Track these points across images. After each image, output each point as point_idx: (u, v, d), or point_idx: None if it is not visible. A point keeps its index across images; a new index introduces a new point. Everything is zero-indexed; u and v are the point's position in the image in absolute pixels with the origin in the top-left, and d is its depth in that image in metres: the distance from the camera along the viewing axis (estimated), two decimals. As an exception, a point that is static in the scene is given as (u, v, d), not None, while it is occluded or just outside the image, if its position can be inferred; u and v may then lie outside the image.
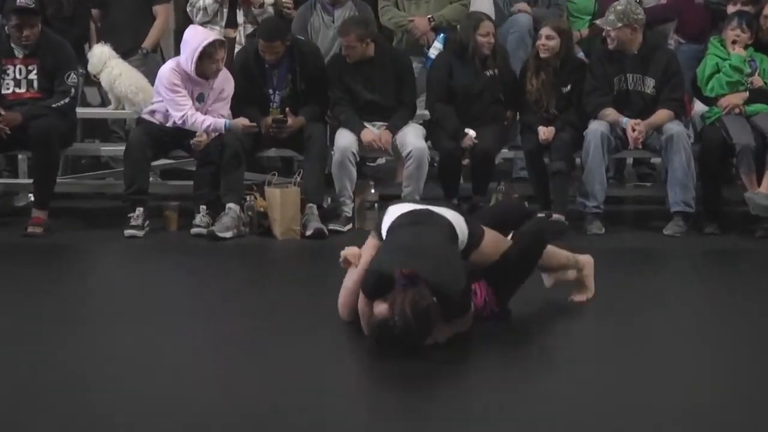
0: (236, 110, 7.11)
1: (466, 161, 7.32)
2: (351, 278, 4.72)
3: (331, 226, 6.89)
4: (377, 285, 4.38)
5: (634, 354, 4.53)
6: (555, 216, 6.95)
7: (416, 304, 4.21)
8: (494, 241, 4.79)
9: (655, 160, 7.84)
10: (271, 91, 7.18)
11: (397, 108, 7.20)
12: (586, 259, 5.28)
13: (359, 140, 7.09)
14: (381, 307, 4.32)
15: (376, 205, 7.07)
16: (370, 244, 4.78)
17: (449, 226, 4.66)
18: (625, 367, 4.35)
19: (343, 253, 4.76)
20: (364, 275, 4.52)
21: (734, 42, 7.07)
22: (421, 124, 7.47)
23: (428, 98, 7.45)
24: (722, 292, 5.69)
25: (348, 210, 7.04)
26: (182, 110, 6.92)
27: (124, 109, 7.51)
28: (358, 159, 7.10)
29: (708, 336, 4.87)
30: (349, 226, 7.01)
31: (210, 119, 6.95)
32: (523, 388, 4.11)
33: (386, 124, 7.19)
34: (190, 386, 4.09)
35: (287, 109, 7.09)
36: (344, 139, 7.04)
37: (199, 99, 7.04)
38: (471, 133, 7.12)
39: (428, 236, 4.55)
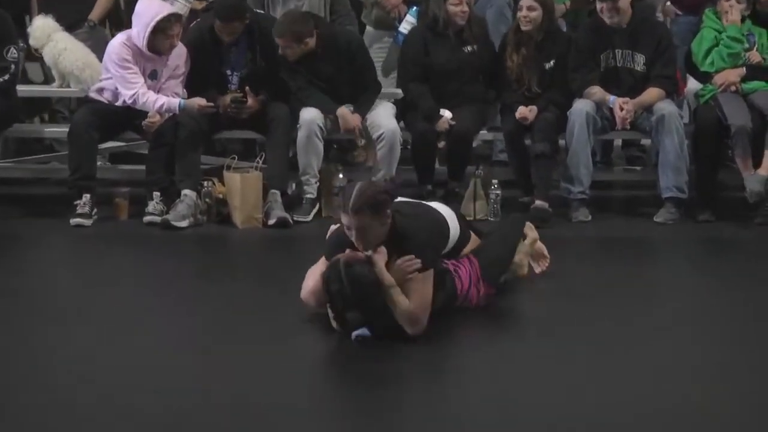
0: (191, 92, 7.07)
1: (441, 144, 7.31)
2: (321, 265, 4.77)
3: (297, 217, 6.87)
4: (338, 246, 4.58)
5: (621, 350, 4.54)
6: (537, 203, 6.95)
7: (373, 195, 4.46)
8: (474, 241, 5.02)
9: (645, 141, 7.86)
10: (228, 71, 7.15)
11: (359, 93, 7.15)
12: (529, 232, 5.45)
13: (334, 120, 7.05)
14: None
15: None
16: None
17: (440, 217, 4.83)
18: (612, 364, 4.36)
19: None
20: (329, 236, 4.71)
21: (728, 13, 7.08)
22: (393, 103, 7.45)
23: (401, 77, 7.42)
24: (717, 283, 5.70)
25: (312, 191, 7.00)
26: (133, 88, 6.87)
27: (69, 86, 7.43)
28: (325, 133, 7.06)
29: (701, 330, 4.88)
30: (315, 211, 6.99)
31: (163, 98, 6.90)
32: (509, 388, 4.12)
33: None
34: (141, 388, 4.07)
35: (247, 88, 7.06)
36: (311, 111, 7.01)
37: (152, 76, 6.99)
38: (447, 114, 7.10)
39: (413, 204, 4.73)
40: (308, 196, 7.00)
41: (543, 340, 4.68)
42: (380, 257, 4.51)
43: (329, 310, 4.63)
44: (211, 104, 6.96)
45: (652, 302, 5.31)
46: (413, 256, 4.51)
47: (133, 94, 6.88)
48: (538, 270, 5.45)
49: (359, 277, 4.46)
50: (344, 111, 7.04)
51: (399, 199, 4.87)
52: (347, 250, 4.56)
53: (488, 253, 5.00)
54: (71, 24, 7.58)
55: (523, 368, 4.33)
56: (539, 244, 5.50)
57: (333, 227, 4.94)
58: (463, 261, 4.91)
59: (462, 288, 4.83)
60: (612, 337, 4.73)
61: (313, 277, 4.77)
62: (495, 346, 4.64)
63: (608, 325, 4.90)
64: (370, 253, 4.50)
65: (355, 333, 4.51)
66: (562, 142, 7.18)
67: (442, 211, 4.93)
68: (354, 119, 7.02)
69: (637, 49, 7.11)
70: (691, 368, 4.34)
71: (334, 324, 4.62)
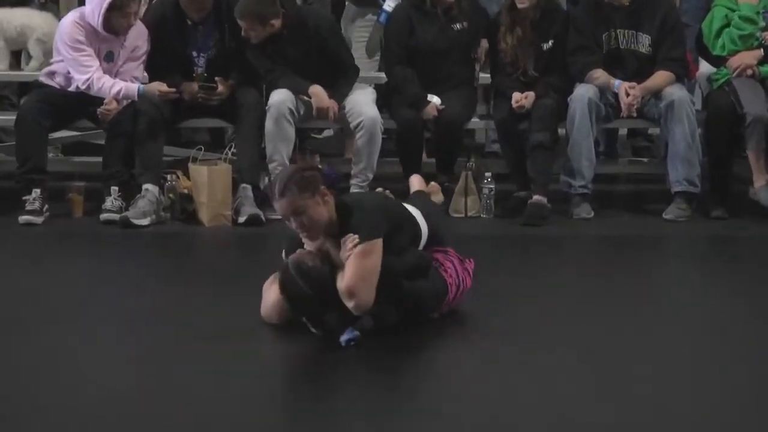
0: (152, 76, 7.06)
1: (427, 135, 7.29)
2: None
3: (270, 214, 6.82)
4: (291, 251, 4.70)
5: (624, 359, 4.53)
6: (535, 198, 6.95)
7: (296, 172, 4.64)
8: None
9: (654, 130, 7.85)
10: (194, 53, 7.13)
11: (333, 78, 7.12)
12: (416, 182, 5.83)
13: (307, 104, 7.04)
14: None
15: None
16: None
17: (411, 215, 4.90)
18: (614, 374, 4.35)
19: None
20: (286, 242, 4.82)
21: (743, -11, 7.08)
22: (375, 88, 7.44)
23: (385, 60, 7.41)
24: (731, 285, 5.69)
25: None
26: (86, 73, 6.84)
27: (20, 68, 7.39)
28: (297, 117, 7.03)
29: (713, 336, 4.86)
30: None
31: (120, 83, 6.87)
32: (506, 396, 4.11)
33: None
34: (97, 403, 4.03)
35: (216, 78, 7.04)
36: (281, 93, 6.99)
37: (108, 58, 6.96)
38: (435, 100, 7.08)
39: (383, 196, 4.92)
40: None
41: (539, 346, 4.67)
42: (329, 245, 4.60)
43: (303, 318, 4.64)
44: (173, 90, 6.91)
45: (660, 307, 5.30)
46: (350, 234, 4.57)
47: (87, 79, 6.84)
48: None
49: (311, 271, 4.55)
50: (318, 89, 7.01)
51: None
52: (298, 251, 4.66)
53: (446, 235, 5.09)
54: (18, 1, 7.54)
55: (520, 376, 4.33)
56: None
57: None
58: (438, 256, 4.93)
59: (452, 278, 4.85)
60: (615, 345, 4.71)
61: (271, 290, 4.77)
62: (486, 353, 4.62)
63: (612, 332, 4.88)
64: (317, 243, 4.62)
65: (343, 338, 4.52)
66: (561, 131, 7.16)
67: (410, 209, 4.99)
68: (329, 100, 7.00)
69: (640, 29, 7.11)
70: (703, 382, 4.32)
71: (313, 330, 4.63)
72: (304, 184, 4.56)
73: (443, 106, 7.07)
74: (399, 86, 7.19)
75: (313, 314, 4.60)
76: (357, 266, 4.51)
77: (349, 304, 4.51)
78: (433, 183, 5.80)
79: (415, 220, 4.93)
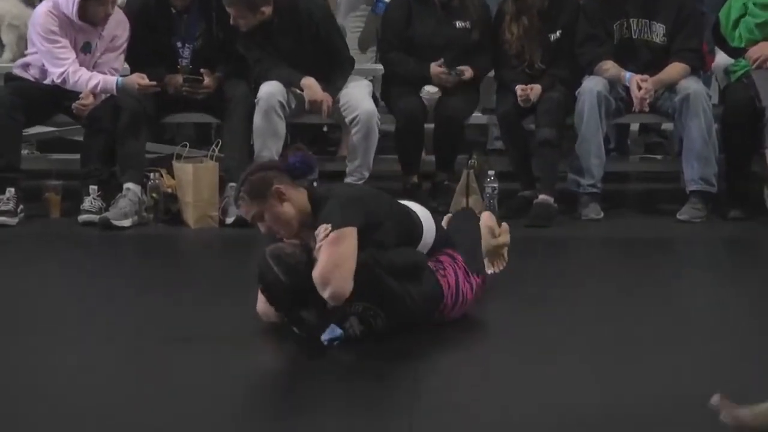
0: (134, 68, 7.07)
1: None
2: None
3: None
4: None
5: (635, 370, 4.51)
6: (541, 197, 6.96)
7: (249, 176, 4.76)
8: None
9: (667, 126, 7.83)
10: (179, 43, 7.14)
11: (327, 70, 7.13)
12: (487, 218, 5.59)
13: (299, 97, 7.04)
14: None
15: (315, 183, 7.00)
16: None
17: (411, 212, 4.91)
18: (624, 386, 4.32)
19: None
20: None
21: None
22: (371, 81, 7.46)
23: (381, 48, 7.43)
24: (749, 290, 5.66)
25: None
26: (62, 66, 6.84)
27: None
28: (288, 111, 7.03)
29: (732, 344, 4.84)
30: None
31: (98, 76, 6.87)
32: (509, 401, 4.10)
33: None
34: (75, 412, 4.02)
35: (202, 71, 7.05)
36: (271, 85, 6.99)
37: (85, 49, 6.95)
38: (430, 88, 7.10)
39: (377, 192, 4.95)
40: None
41: (544, 352, 4.67)
42: (309, 237, 4.65)
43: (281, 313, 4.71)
44: (153, 84, 6.90)
45: (673, 314, 5.28)
46: (322, 225, 4.61)
47: (62, 73, 6.84)
48: (490, 271, 5.46)
49: (288, 258, 4.63)
50: (310, 81, 7.01)
51: None
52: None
53: (464, 246, 5.06)
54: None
55: (524, 384, 4.33)
56: (503, 243, 5.57)
57: None
58: (443, 258, 4.93)
59: (450, 285, 4.83)
60: (624, 353, 4.70)
61: None
62: (491, 359, 4.64)
63: (621, 340, 4.86)
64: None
65: (324, 337, 4.57)
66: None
67: (415, 209, 4.99)
68: (323, 93, 7.01)
69: (655, 18, 7.12)
70: (719, 390, 4.29)
71: (295, 329, 4.67)
72: (253, 191, 4.71)
73: (439, 94, 7.10)
74: (395, 67, 7.20)
75: (288, 305, 4.65)
76: (329, 253, 4.53)
77: (325, 294, 4.52)
78: (504, 224, 5.64)
79: (413, 217, 4.91)
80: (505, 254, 5.54)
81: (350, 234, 4.57)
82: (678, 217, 6.94)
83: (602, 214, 7.00)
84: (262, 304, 4.83)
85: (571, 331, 4.96)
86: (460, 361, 4.66)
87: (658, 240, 6.66)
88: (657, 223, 6.97)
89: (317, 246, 4.57)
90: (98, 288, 5.69)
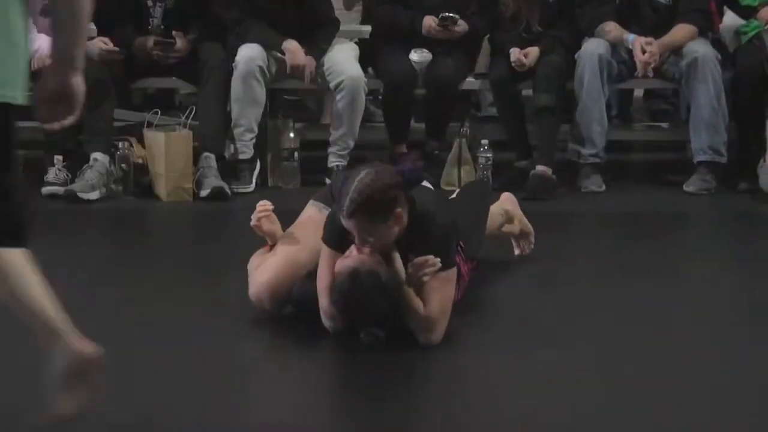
0: (101, 31, 7.01)
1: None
2: (267, 260, 4.72)
3: (236, 187, 6.88)
4: (341, 233, 4.45)
5: (639, 353, 4.50)
6: (538, 168, 6.96)
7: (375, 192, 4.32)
8: None
9: (669, 86, 7.78)
10: (150, 2, 7.14)
11: (311, 30, 7.13)
12: (506, 200, 5.53)
13: (280, 61, 7.03)
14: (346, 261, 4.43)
15: (296, 154, 7.02)
16: (312, 219, 4.77)
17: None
18: (628, 368, 4.33)
19: (257, 212, 4.75)
20: (326, 223, 4.57)
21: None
22: (357, 44, 7.42)
23: (367, 5, 7.43)
24: (760, 266, 5.66)
25: (247, 150, 6.98)
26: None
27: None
28: (268, 77, 7.02)
29: (738, 325, 4.84)
30: (256, 176, 6.99)
31: (61, 41, 6.82)
32: (505, 393, 4.10)
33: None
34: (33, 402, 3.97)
35: (174, 32, 7.03)
36: (251, 48, 6.97)
37: (45, 12, 6.86)
38: (416, 56, 7.09)
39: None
40: (242, 156, 6.98)
41: (545, 338, 4.66)
42: (395, 256, 4.46)
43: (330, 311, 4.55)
44: (116, 49, 6.88)
45: (680, 291, 5.30)
46: (431, 256, 4.44)
47: (21, 39, 6.78)
48: (517, 252, 5.50)
49: (385, 280, 4.40)
50: (293, 44, 7.00)
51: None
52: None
53: (462, 226, 4.95)
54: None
55: (523, 374, 4.33)
56: (524, 220, 5.54)
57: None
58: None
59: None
60: (629, 336, 4.68)
61: (262, 269, 4.70)
62: (492, 347, 4.61)
63: (626, 320, 4.86)
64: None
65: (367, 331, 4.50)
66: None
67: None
68: (305, 57, 7.00)
69: (660, -25, 7.12)
70: (733, 374, 4.29)
71: (329, 324, 4.55)
72: (377, 211, 4.33)
73: (430, 57, 7.11)
74: (385, 19, 7.18)
75: (371, 323, 4.51)
76: (441, 298, 4.45)
77: (424, 336, 4.44)
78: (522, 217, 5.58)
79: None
80: (532, 238, 5.53)
81: (454, 276, 4.52)
82: (685, 189, 6.96)
83: (604, 187, 7.01)
84: (261, 288, 4.70)
85: (571, 310, 4.96)
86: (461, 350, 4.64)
87: (663, 214, 6.68)
88: (662, 195, 6.99)
89: (419, 275, 4.42)
90: (64, 264, 5.62)
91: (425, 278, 4.42)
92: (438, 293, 4.46)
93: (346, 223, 4.35)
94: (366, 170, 4.37)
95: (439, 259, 4.43)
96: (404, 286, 4.41)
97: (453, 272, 4.52)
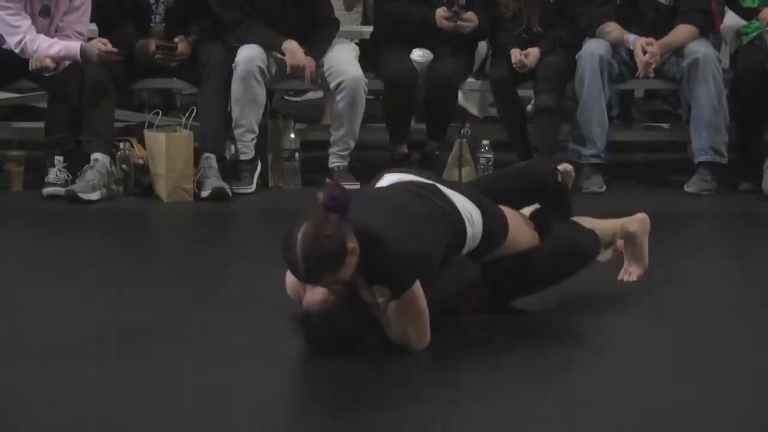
0: (102, 31, 7.04)
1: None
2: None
3: (237, 187, 6.87)
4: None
5: (640, 356, 4.50)
6: (539, 168, 6.92)
7: (315, 234, 4.20)
8: (520, 235, 4.85)
9: (669, 87, 7.78)
10: (152, 1, 7.13)
11: (311, 30, 7.13)
12: (638, 220, 5.34)
13: (280, 62, 7.04)
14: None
15: (297, 154, 7.02)
16: None
17: (451, 216, 4.59)
18: (627, 373, 4.31)
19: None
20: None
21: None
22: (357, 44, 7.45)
23: (372, 3, 7.48)
24: (761, 268, 5.66)
25: (248, 150, 6.97)
26: (17, 34, 6.83)
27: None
28: (268, 77, 7.02)
29: (738, 325, 4.82)
30: (257, 176, 6.96)
31: (60, 43, 6.85)
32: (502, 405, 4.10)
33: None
34: (38, 402, 3.98)
35: (176, 38, 7.03)
36: (251, 49, 6.98)
37: (43, 13, 6.94)
38: (417, 55, 7.07)
39: (414, 204, 4.54)
40: (243, 157, 6.98)
41: (545, 337, 4.68)
42: (359, 283, 4.40)
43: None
44: (115, 51, 6.86)
45: (680, 293, 5.27)
46: (379, 286, 4.38)
47: (19, 42, 6.83)
48: (628, 278, 5.24)
49: (338, 321, 4.40)
50: (293, 45, 7.01)
51: (398, 176, 4.71)
52: None
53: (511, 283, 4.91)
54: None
55: (523, 374, 4.33)
56: (644, 247, 5.30)
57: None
58: None
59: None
60: (630, 339, 4.69)
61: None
62: (489, 349, 4.60)
63: (627, 323, 4.86)
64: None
65: None
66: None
67: (456, 201, 4.66)
68: (305, 57, 7.00)
69: (660, -25, 7.12)
70: (734, 377, 4.30)
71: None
72: (332, 259, 4.24)
73: (431, 57, 7.10)
74: (399, 14, 7.16)
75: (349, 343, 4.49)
76: (399, 322, 4.41)
77: (409, 349, 4.44)
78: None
79: (455, 217, 4.62)
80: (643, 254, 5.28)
81: (413, 296, 4.40)
82: (685, 189, 6.97)
83: (605, 187, 7.02)
84: (292, 281, 4.58)
85: (572, 312, 4.96)
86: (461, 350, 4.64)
87: (664, 214, 6.60)
88: (663, 195, 6.99)
89: (377, 302, 4.37)
90: (63, 267, 5.67)
91: (380, 304, 4.37)
92: (394, 321, 4.40)
93: (314, 286, 4.33)
94: (300, 230, 4.22)
95: (388, 291, 4.35)
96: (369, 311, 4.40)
97: (409, 296, 4.38)
